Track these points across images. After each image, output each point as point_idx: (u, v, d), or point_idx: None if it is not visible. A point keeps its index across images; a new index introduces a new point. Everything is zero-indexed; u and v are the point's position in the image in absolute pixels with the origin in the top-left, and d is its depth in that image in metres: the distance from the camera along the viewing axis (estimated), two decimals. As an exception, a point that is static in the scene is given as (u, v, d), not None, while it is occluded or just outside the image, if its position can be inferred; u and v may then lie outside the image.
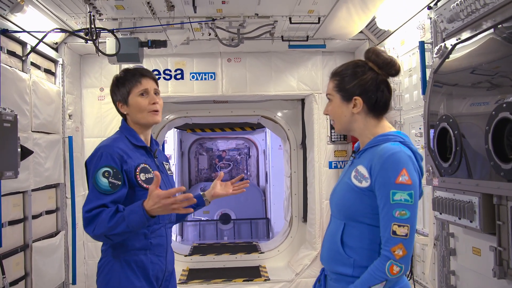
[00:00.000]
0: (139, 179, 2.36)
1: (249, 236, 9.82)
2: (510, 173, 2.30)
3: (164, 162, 2.64)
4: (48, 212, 4.42)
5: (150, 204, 2.15)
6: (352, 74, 2.02)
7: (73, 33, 3.92)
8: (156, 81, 2.55)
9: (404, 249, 1.82)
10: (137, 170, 2.37)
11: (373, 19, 4.33)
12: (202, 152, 11.78)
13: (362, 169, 1.96)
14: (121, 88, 2.49)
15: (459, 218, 2.78)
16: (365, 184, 1.93)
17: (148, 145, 2.55)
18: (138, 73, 2.51)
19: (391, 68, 2.02)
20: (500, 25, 2.57)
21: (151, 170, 2.43)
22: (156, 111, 2.48)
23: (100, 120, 5.24)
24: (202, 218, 10.15)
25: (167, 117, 6.08)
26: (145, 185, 2.36)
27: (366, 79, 2.00)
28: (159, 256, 2.46)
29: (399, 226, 1.83)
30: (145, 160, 2.44)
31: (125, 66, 5.11)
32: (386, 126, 2.06)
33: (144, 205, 2.16)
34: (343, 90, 2.03)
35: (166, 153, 8.80)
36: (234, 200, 10.45)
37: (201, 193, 2.75)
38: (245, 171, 11.78)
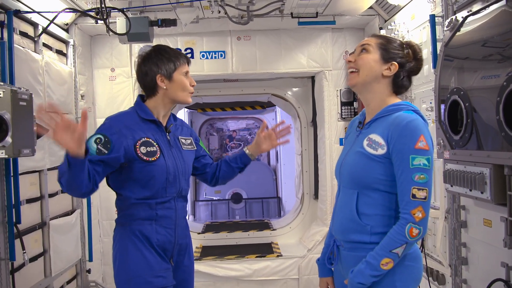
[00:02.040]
0: (139, 152, 2.45)
1: (260, 215, 9.91)
2: (521, 143, 2.31)
3: (181, 137, 2.70)
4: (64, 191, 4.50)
5: None
6: (399, 46, 2.15)
7: (84, 12, 3.94)
8: (189, 64, 2.68)
9: (423, 211, 1.93)
10: (138, 143, 2.46)
11: (382, -7, 4.30)
12: (213, 132, 11.82)
13: (376, 137, 2.03)
14: (167, 62, 2.54)
15: (470, 190, 2.80)
16: (381, 151, 2.01)
17: (164, 121, 2.62)
18: (182, 53, 2.64)
19: (419, 65, 2.18)
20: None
21: (154, 143, 2.50)
22: (192, 93, 2.61)
23: (112, 101, 5.28)
24: (214, 198, 10.26)
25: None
26: (145, 158, 2.45)
27: (407, 57, 2.14)
28: (166, 227, 2.54)
29: (418, 189, 1.92)
30: (152, 134, 2.52)
31: (136, 45, 5.18)
32: (397, 99, 2.16)
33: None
34: (386, 50, 2.12)
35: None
36: (245, 179, 10.51)
37: (245, 150, 2.82)
38: (256, 151, 11.80)
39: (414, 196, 1.92)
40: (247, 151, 2.81)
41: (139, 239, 2.49)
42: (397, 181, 1.98)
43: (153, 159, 2.47)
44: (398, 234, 1.94)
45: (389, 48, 2.12)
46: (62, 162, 2.22)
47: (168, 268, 2.56)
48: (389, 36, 2.23)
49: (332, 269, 2.36)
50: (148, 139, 2.49)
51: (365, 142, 2.06)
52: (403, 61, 2.12)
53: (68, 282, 4.53)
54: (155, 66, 2.54)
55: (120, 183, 2.54)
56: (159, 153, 2.50)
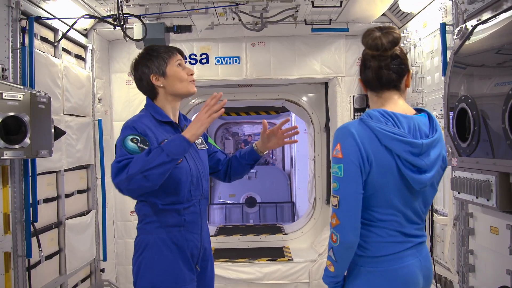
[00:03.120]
0: None
1: (274, 219, 9.96)
2: (526, 151, 2.33)
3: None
4: (80, 192, 4.64)
5: (190, 129, 2.26)
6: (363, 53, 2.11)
7: (102, 19, 4.06)
8: (182, 54, 2.60)
9: (336, 219, 1.90)
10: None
11: (396, 1, 4.33)
12: (228, 136, 11.93)
13: None
14: (155, 60, 2.47)
15: (477, 197, 2.82)
16: None
17: (176, 120, 2.57)
18: (170, 47, 2.55)
19: (368, 41, 2.01)
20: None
21: None
22: (193, 81, 2.54)
23: (128, 104, 5.40)
24: (228, 202, 10.34)
25: (192, 101, 6.21)
26: None
27: (361, 61, 2.10)
28: (193, 233, 2.48)
29: (333, 197, 1.93)
30: (170, 136, 2.43)
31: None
32: (383, 104, 2.05)
33: (183, 133, 2.27)
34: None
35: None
36: (260, 184, 10.59)
37: (253, 147, 2.75)
38: (271, 155, 11.88)
39: (331, 203, 1.94)
40: (255, 147, 2.74)
41: (169, 248, 2.41)
42: None
43: (178, 162, 2.32)
44: (329, 239, 1.98)
45: None
46: (169, 145, 2.21)
47: (193, 279, 2.51)
48: None
49: None
50: None
51: None
52: (360, 68, 2.10)
53: (83, 280, 4.65)
54: (146, 68, 2.47)
55: None
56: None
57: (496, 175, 2.65)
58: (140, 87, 2.56)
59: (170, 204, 2.41)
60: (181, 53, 2.58)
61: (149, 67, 2.47)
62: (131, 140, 2.29)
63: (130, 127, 2.37)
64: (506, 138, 2.47)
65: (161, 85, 2.47)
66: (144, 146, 2.29)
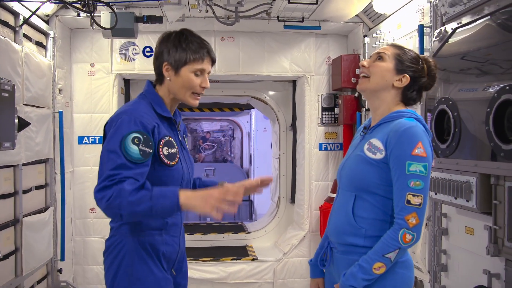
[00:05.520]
0: (161, 153, 2.10)
1: (231, 217, 9.86)
2: (510, 153, 2.37)
3: (185, 136, 2.41)
4: (38, 188, 4.36)
5: (193, 199, 1.97)
6: (415, 59, 2.15)
7: (70, 4, 3.83)
8: (214, 63, 2.32)
9: (417, 218, 1.94)
10: (161, 142, 2.11)
11: (370, 2, 4.34)
12: (187, 133, 11.73)
13: (376, 142, 2.05)
14: (180, 51, 2.17)
15: (455, 198, 2.86)
16: (379, 156, 2.03)
17: (172, 113, 2.30)
18: (206, 47, 2.24)
19: (431, 82, 2.17)
20: (497, 12, 2.63)
21: (175, 144, 2.18)
22: (200, 94, 2.26)
23: (90, 96, 5.15)
24: (186, 199, 10.13)
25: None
26: (166, 161, 2.12)
27: (420, 72, 2.14)
28: (173, 236, 2.28)
29: (413, 195, 1.94)
30: (169, 133, 2.20)
31: (118, 41, 5.08)
32: (404, 108, 2.17)
33: (180, 193, 1.95)
34: (401, 61, 2.13)
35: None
36: (217, 181, 10.44)
37: (219, 183, 2.44)
38: (229, 153, 11.79)
39: (408, 202, 1.94)
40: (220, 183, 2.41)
41: (147, 251, 2.18)
42: (393, 186, 2.00)
43: (173, 163, 2.13)
44: (391, 239, 1.95)
45: (404, 60, 2.12)
46: (158, 200, 1.93)
47: (171, 282, 2.32)
48: (407, 48, 2.21)
49: (324, 270, 2.35)
50: (170, 139, 2.15)
51: (366, 146, 2.09)
52: (416, 75, 2.12)
53: (39, 281, 4.39)
54: (166, 52, 2.18)
55: None
56: (178, 156, 2.17)
57: (477, 177, 2.68)
58: (154, 63, 2.27)
59: None
60: (213, 60, 2.29)
61: (169, 53, 2.18)
62: (133, 140, 1.99)
63: (136, 122, 2.03)
64: (489, 140, 2.51)
65: (169, 78, 2.20)
66: (146, 149, 2.01)
